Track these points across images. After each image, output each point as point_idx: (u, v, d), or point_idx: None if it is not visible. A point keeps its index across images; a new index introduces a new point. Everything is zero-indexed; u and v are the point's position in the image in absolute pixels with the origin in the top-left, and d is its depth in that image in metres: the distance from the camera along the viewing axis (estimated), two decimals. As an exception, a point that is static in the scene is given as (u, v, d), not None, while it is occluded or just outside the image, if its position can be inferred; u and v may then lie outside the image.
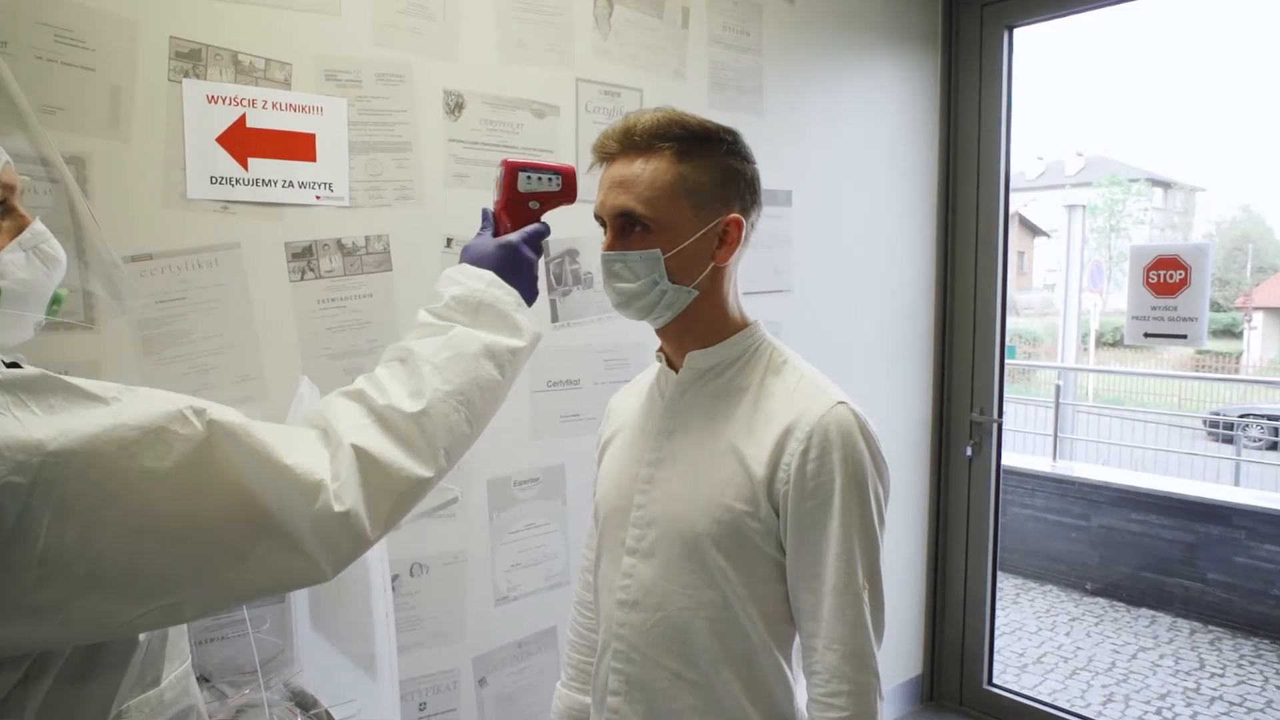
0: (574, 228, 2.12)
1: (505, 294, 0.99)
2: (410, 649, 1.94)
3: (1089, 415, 8.62)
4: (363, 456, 0.79)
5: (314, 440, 0.79)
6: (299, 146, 1.73)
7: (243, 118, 1.67)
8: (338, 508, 0.75)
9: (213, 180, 1.64)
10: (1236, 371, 17.16)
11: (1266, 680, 3.90)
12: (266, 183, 1.70)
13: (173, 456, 0.68)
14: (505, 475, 2.08)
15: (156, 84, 1.58)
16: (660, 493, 1.13)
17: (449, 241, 1.94)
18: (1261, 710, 3.62)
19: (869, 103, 2.86)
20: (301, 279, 1.76)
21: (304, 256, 1.76)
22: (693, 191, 1.06)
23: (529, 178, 1.09)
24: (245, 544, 0.72)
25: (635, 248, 1.07)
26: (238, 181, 1.67)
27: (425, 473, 0.83)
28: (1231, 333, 19.89)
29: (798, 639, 1.11)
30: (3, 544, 0.60)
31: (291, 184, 1.73)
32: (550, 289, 2.12)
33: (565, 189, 1.12)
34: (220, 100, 1.64)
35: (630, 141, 1.07)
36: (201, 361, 1.65)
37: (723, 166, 1.09)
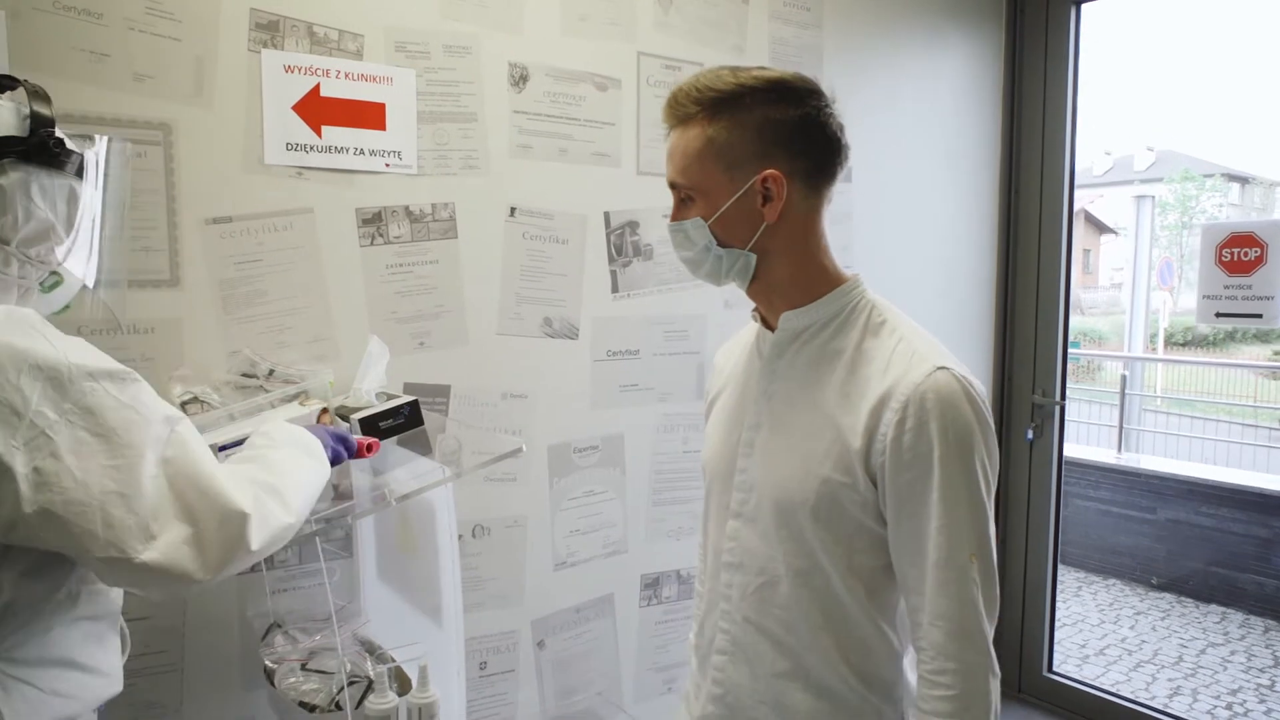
0: (634, 199, 2.16)
1: (308, 439, 1.27)
2: (472, 609, 1.99)
3: (1156, 414, 8.36)
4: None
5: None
6: (370, 115, 1.79)
7: (317, 87, 1.73)
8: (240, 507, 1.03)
9: (288, 147, 1.71)
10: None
11: (1347, 680, 3.76)
12: (339, 150, 1.76)
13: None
14: (565, 442, 2.11)
15: (237, 54, 1.65)
16: (760, 458, 1.12)
17: (512, 210, 1.98)
18: (1342, 710, 3.50)
19: (931, 77, 2.83)
20: (371, 244, 1.82)
21: (373, 222, 1.82)
22: (722, 153, 1.04)
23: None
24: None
25: (685, 217, 1.09)
26: (312, 148, 1.73)
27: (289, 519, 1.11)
28: (1312, 333, 19.04)
29: (903, 603, 1.08)
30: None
31: (362, 151, 1.79)
32: (610, 260, 2.14)
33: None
34: (296, 70, 1.71)
35: (672, 112, 1.08)
36: (278, 321, 1.72)
37: (756, 120, 1.04)
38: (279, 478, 1.12)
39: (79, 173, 1.09)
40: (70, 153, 1.07)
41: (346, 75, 1.76)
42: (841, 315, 1.10)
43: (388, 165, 1.82)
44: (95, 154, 1.14)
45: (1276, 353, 15.56)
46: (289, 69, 1.70)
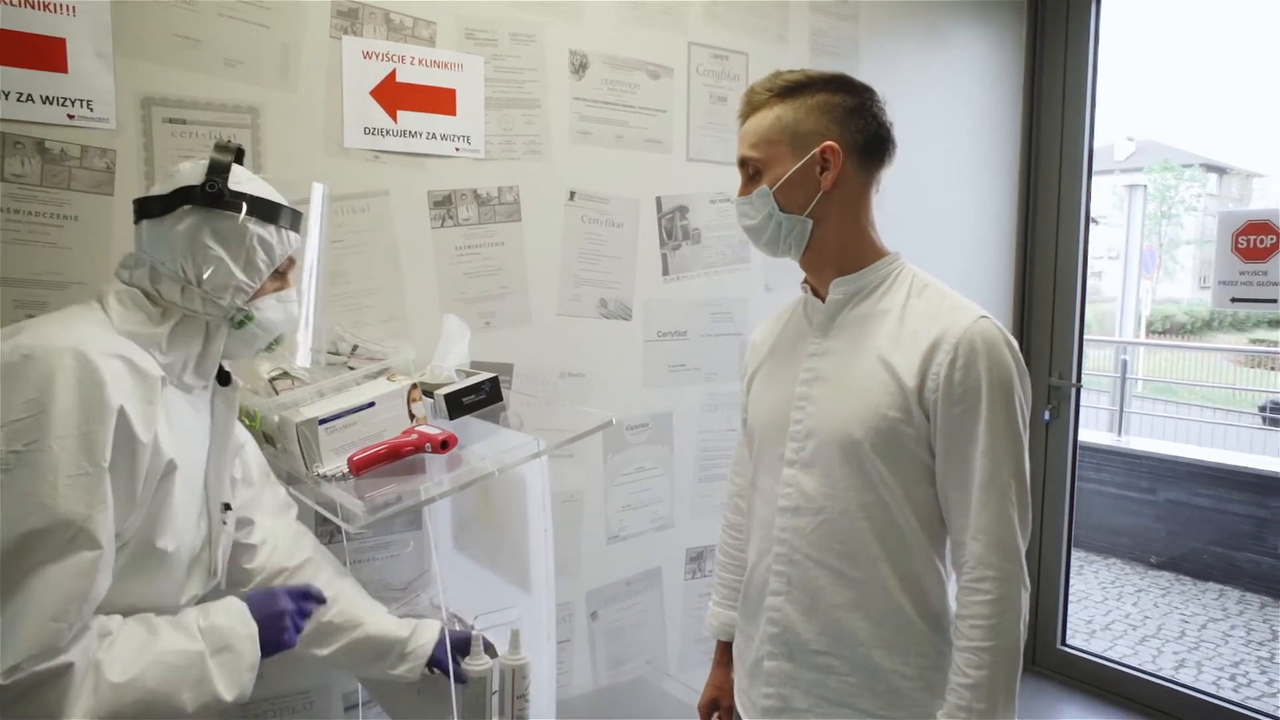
0: (684, 185, 2.22)
1: (250, 652, 1.15)
2: (531, 581, 2.06)
3: (1141, 400, 8.54)
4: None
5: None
6: (441, 101, 1.84)
7: (393, 73, 1.78)
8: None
9: (366, 131, 1.76)
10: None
11: (1344, 653, 3.91)
12: (413, 134, 1.81)
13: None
14: (618, 419, 2.17)
15: (319, 40, 1.69)
16: (816, 408, 1.22)
17: (572, 194, 2.04)
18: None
19: (955, 67, 2.90)
20: (441, 226, 1.87)
21: (444, 205, 1.87)
22: (788, 128, 1.19)
23: None
24: None
25: (752, 190, 1.23)
26: (388, 133, 1.78)
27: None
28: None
29: (949, 540, 1.19)
30: None
31: (434, 136, 1.84)
32: (661, 243, 2.21)
33: None
34: (374, 56, 1.76)
35: (747, 101, 1.24)
36: (356, 301, 1.77)
37: (819, 101, 1.20)
38: (119, 676, 1.01)
39: (256, 214, 1.13)
40: (239, 196, 1.12)
41: (420, 61, 1.81)
42: (887, 281, 1.24)
43: (458, 149, 1.87)
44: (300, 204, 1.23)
45: (1253, 340, 15.82)
46: (367, 55, 1.75)
